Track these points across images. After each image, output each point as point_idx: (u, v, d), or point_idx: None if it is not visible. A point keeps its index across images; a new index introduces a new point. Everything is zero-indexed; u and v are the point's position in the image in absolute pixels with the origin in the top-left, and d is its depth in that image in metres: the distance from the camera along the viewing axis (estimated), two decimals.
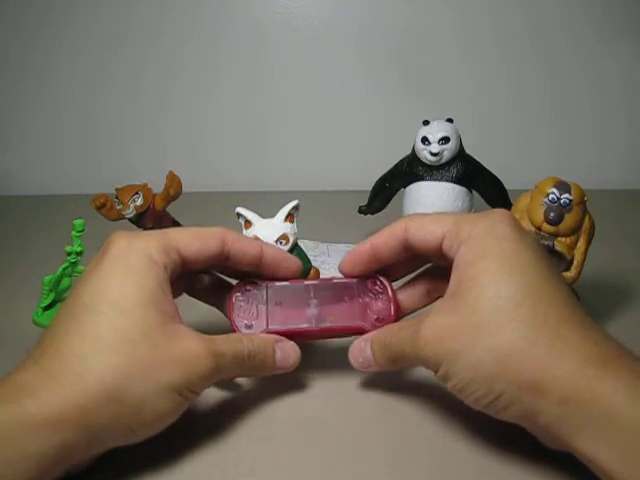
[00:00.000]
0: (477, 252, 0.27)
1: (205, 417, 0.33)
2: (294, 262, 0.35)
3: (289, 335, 0.33)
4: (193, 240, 0.31)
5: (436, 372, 0.28)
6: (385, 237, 0.32)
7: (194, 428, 0.31)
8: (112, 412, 0.25)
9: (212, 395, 0.34)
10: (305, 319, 0.33)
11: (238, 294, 0.34)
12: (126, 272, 0.28)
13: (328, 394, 0.35)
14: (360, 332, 0.33)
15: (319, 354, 0.39)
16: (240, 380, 0.36)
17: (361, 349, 0.32)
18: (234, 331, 0.33)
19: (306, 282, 0.35)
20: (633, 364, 0.24)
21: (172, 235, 0.30)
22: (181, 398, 0.27)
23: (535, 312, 0.25)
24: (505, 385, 0.25)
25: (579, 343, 0.25)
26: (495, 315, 0.26)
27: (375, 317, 0.33)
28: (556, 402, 0.24)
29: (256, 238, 0.40)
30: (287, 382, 0.35)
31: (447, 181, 0.52)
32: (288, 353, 0.32)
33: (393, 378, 0.35)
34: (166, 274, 0.29)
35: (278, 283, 0.34)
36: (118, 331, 0.26)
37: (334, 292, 0.34)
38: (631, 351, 0.25)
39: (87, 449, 0.26)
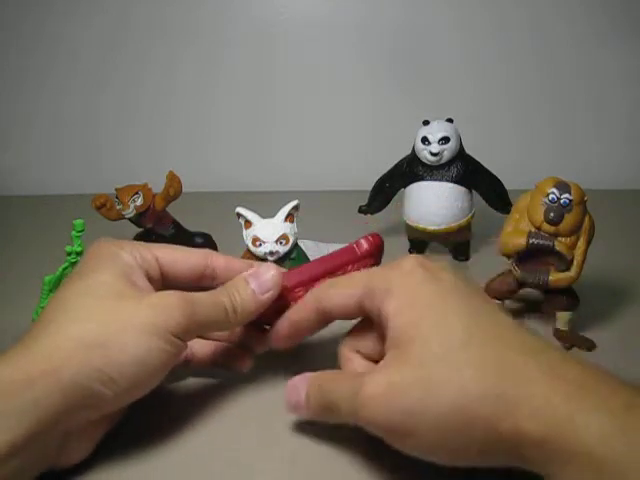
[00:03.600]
0: (403, 303, 0.26)
1: (200, 411, 0.33)
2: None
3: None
4: (172, 250, 0.33)
5: (384, 435, 0.25)
6: (301, 313, 0.31)
7: (186, 421, 0.32)
8: (82, 357, 0.25)
9: (206, 388, 0.34)
10: None
11: None
12: (98, 259, 0.30)
13: None
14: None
15: (318, 353, 0.39)
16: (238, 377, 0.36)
17: (296, 387, 0.30)
18: None
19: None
20: (598, 388, 0.22)
21: (151, 245, 0.32)
22: (157, 340, 0.27)
23: (485, 352, 0.24)
24: (482, 433, 0.23)
25: (542, 376, 0.23)
26: (446, 364, 0.24)
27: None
28: (535, 444, 0.22)
29: (256, 238, 0.40)
30: (283, 378, 0.35)
31: (447, 181, 0.52)
32: (265, 277, 0.32)
33: None
34: (138, 266, 0.30)
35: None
36: (86, 290, 0.28)
37: None
38: (587, 367, 0.24)
39: (68, 409, 0.25)
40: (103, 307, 0.27)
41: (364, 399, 0.25)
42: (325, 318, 0.31)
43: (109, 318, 0.27)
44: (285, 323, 0.32)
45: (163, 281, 0.32)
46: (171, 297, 0.28)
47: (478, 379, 0.23)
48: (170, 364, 0.29)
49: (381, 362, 0.26)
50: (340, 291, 0.29)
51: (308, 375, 0.30)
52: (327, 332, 0.36)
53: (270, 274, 0.32)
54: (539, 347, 0.24)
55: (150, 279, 0.31)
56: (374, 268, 0.30)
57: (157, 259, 0.32)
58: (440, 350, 0.24)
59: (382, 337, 0.28)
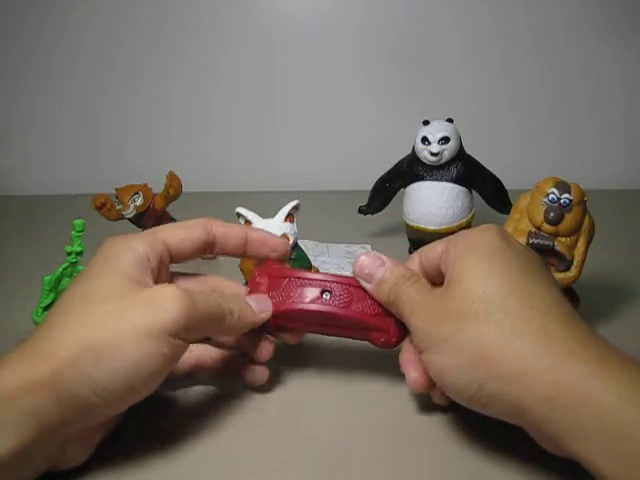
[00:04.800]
0: (465, 249, 0.29)
1: (199, 414, 0.33)
2: (280, 242, 0.36)
3: (295, 317, 0.33)
4: (178, 230, 0.33)
5: (420, 352, 0.29)
6: (411, 265, 0.33)
7: (188, 426, 0.31)
8: (77, 365, 0.25)
9: (206, 391, 0.34)
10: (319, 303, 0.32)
11: (259, 277, 0.34)
12: (105, 258, 0.30)
13: (326, 395, 0.35)
14: (365, 331, 0.33)
15: (319, 356, 0.39)
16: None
17: (374, 265, 0.32)
18: None
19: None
20: (620, 362, 0.24)
21: (157, 230, 0.32)
22: (153, 342, 0.26)
23: (522, 305, 0.26)
24: (486, 375, 0.25)
25: (566, 339, 0.25)
26: (483, 304, 0.26)
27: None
28: (542, 399, 0.24)
29: None
30: (285, 381, 0.35)
31: (447, 181, 0.52)
32: (262, 302, 0.32)
33: (392, 380, 0.35)
34: (148, 263, 0.30)
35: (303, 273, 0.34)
36: (83, 294, 0.28)
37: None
38: (617, 349, 0.25)
39: (66, 418, 0.25)
40: (101, 312, 0.27)
41: (414, 313, 0.29)
42: (427, 275, 0.33)
43: (105, 322, 0.26)
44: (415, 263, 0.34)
45: (171, 260, 0.33)
46: (167, 291, 0.27)
47: (502, 327, 0.25)
48: (167, 368, 0.28)
49: (437, 290, 0.30)
50: (431, 246, 0.32)
51: (387, 261, 0.32)
52: (331, 341, 0.36)
53: (265, 301, 0.33)
54: (571, 317, 0.26)
55: (161, 265, 0.31)
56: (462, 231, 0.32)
57: (166, 244, 0.32)
58: (482, 292, 0.26)
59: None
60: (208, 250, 0.34)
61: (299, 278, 0.33)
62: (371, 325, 0.32)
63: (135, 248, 0.30)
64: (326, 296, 0.32)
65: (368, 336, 0.33)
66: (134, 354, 0.26)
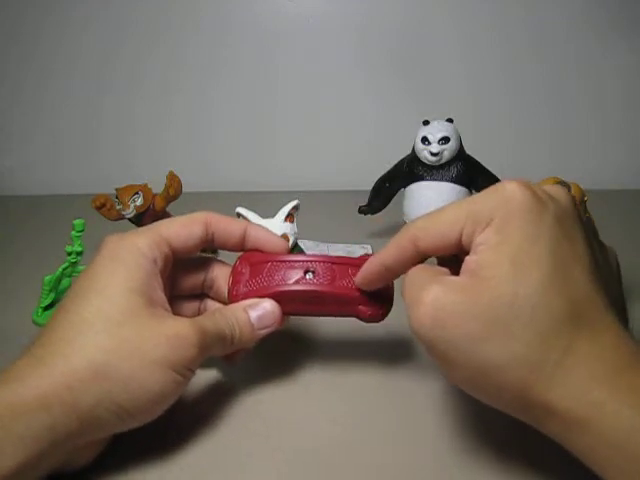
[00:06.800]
0: (495, 239, 0.25)
1: (199, 410, 0.33)
2: (279, 243, 0.35)
3: (281, 300, 0.32)
4: (180, 229, 0.32)
5: (430, 354, 0.26)
6: (395, 255, 0.29)
7: (189, 422, 0.31)
8: (100, 389, 0.26)
9: (207, 386, 0.34)
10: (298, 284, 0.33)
11: (241, 267, 0.34)
12: (115, 265, 0.29)
13: (325, 388, 0.35)
14: (351, 306, 0.33)
15: (317, 348, 0.39)
16: (236, 376, 0.36)
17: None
18: (230, 299, 0.33)
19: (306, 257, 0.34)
20: (634, 376, 0.23)
21: (162, 229, 0.32)
22: (173, 374, 0.28)
23: (551, 317, 0.23)
24: (512, 396, 0.24)
25: (589, 357, 0.23)
26: (512, 317, 0.23)
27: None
28: (560, 422, 0.23)
29: None
30: (283, 376, 0.35)
31: (447, 181, 0.52)
32: (265, 311, 0.32)
33: (393, 376, 0.35)
34: (156, 268, 0.30)
35: (282, 257, 0.34)
36: (103, 313, 0.27)
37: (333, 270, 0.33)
38: (636, 351, 0.23)
39: (81, 433, 0.25)
40: (119, 336, 0.27)
41: (419, 314, 0.25)
42: (421, 258, 0.28)
43: (128, 349, 0.27)
44: (375, 267, 0.30)
45: (173, 257, 0.32)
46: (187, 330, 0.28)
47: (531, 348, 0.23)
48: (181, 392, 0.29)
49: (447, 279, 0.26)
50: (442, 227, 0.27)
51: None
52: (334, 331, 0.36)
53: (272, 308, 0.32)
54: (602, 323, 0.24)
55: (166, 265, 0.31)
56: (473, 197, 0.27)
57: (170, 243, 0.31)
58: (511, 301, 0.23)
59: (462, 252, 0.26)
60: (207, 245, 0.34)
61: (281, 261, 0.33)
62: (356, 299, 0.32)
63: (143, 252, 0.30)
64: (309, 276, 0.32)
65: (355, 311, 0.33)
66: (157, 386, 0.27)
